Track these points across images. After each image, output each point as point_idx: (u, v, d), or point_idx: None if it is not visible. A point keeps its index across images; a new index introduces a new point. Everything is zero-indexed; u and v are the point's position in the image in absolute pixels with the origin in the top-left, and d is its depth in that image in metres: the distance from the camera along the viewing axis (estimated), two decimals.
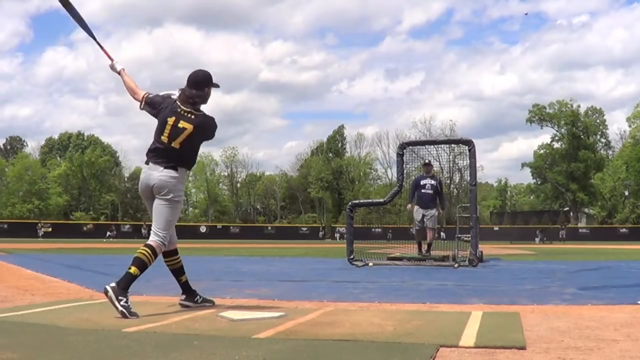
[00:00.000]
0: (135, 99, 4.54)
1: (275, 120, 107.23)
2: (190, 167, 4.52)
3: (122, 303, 3.94)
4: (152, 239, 4.25)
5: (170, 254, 4.51)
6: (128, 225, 56.95)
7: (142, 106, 4.47)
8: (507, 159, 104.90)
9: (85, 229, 57.65)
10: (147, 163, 4.38)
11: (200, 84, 4.38)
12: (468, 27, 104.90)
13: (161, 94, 4.54)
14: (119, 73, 4.66)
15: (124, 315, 3.88)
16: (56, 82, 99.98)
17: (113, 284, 4.02)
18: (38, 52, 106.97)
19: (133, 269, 4.10)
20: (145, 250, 4.19)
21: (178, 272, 4.56)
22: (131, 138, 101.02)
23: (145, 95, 4.48)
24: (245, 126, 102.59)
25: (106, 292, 4.01)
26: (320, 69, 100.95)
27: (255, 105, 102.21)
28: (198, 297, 4.58)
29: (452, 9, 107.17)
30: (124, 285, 4.03)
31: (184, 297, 4.56)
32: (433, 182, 11.28)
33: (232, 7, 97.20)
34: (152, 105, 4.45)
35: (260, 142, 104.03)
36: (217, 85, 4.44)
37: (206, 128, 4.43)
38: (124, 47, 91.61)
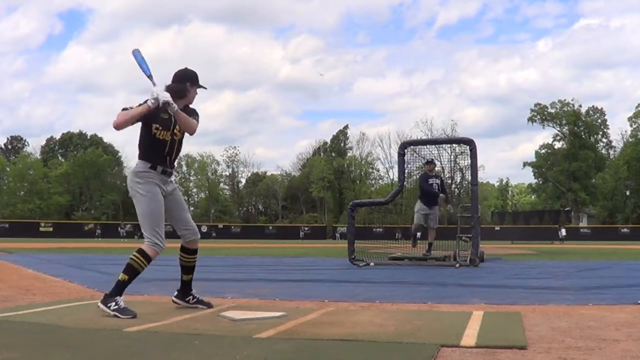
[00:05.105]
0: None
1: (289, 118, 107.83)
2: (140, 157, 4.25)
3: (111, 308, 3.96)
4: (144, 242, 4.19)
5: (189, 252, 4.45)
6: (129, 225, 56.73)
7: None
8: (520, 158, 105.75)
9: (86, 228, 57.73)
10: None
11: (180, 78, 4.31)
12: (496, 25, 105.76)
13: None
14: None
15: (118, 317, 3.89)
16: (70, 82, 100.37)
17: (103, 296, 4.10)
18: (51, 51, 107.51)
19: (121, 276, 4.10)
20: (135, 255, 4.15)
21: (186, 270, 4.47)
22: None
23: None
24: (259, 124, 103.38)
25: (98, 306, 4.06)
26: (341, 67, 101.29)
27: (271, 103, 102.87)
28: (191, 297, 4.48)
29: (485, 7, 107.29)
30: (113, 292, 4.05)
31: (176, 293, 4.51)
32: (437, 181, 11.32)
33: (258, 5, 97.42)
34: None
35: (275, 140, 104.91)
36: (204, 87, 4.38)
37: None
38: (146, 44, 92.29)
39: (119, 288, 4.07)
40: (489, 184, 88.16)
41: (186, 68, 4.41)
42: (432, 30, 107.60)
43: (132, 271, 4.11)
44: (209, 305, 4.45)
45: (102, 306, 4.02)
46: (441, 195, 11.12)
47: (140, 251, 4.14)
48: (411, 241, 11.61)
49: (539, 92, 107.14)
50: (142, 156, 4.24)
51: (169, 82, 4.32)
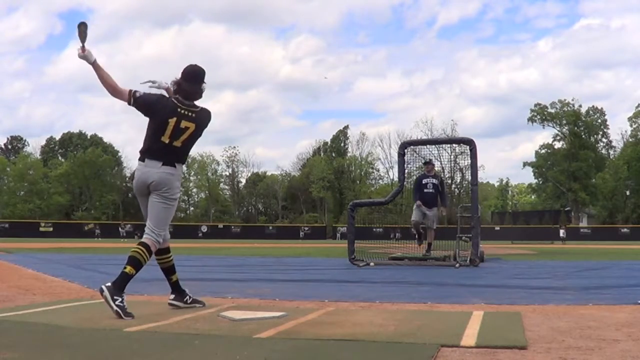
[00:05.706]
0: (117, 96, 4.23)
1: (289, 118, 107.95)
2: (185, 162, 4.46)
3: (117, 303, 3.90)
4: (147, 237, 4.19)
5: (162, 252, 4.40)
6: (129, 225, 56.62)
7: (131, 102, 4.20)
8: (520, 158, 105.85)
9: (86, 228, 57.67)
10: (142, 160, 4.26)
11: (199, 78, 4.29)
12: (497, 25, 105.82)
13: (152, 91, 4.39)
14: (92, 64, 4.22)
15: (118, 316, 3.84)
16: (70, 82, 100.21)
17: (109, 284, 3.99)
18: (51, 51, 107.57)
19: (128, 268, 4.05)
20: (140, 249, 4.13)
21: (169, 271, 4.46)
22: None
23: (133, 93, 4.23)
24: (259, 124, 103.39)
25: (102, 292, 3.97)
26: (341, 67, 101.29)
27: (271, 103, 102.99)
28: (187, 297, 4.49)
29: (485, 7, 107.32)
30: (120, 285, 3.98)
31: (172, 296, 4.48)
32: (435, 181, 11.25)
33: (258, 5, 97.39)
34: (146, 105, 4.24)
35: (275, 140, 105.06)
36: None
37: (205, 122, 4.38)
38: (146, 44, 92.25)
39: (126, 281, 4.03)
40: (489, 184, 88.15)
41: (198, 66, 4.35)
42: (432, 30, 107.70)
43: (137, 264, 4.09)
44: (203, 304, 4.51)
45: (107, 294, 3.91)
46: (417, 202, 11.04)
47: (144, 245, 4.15)
48: (416, 240, 11.56)
49: (539, 92, 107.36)
50: (184, 159, 4.41)
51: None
